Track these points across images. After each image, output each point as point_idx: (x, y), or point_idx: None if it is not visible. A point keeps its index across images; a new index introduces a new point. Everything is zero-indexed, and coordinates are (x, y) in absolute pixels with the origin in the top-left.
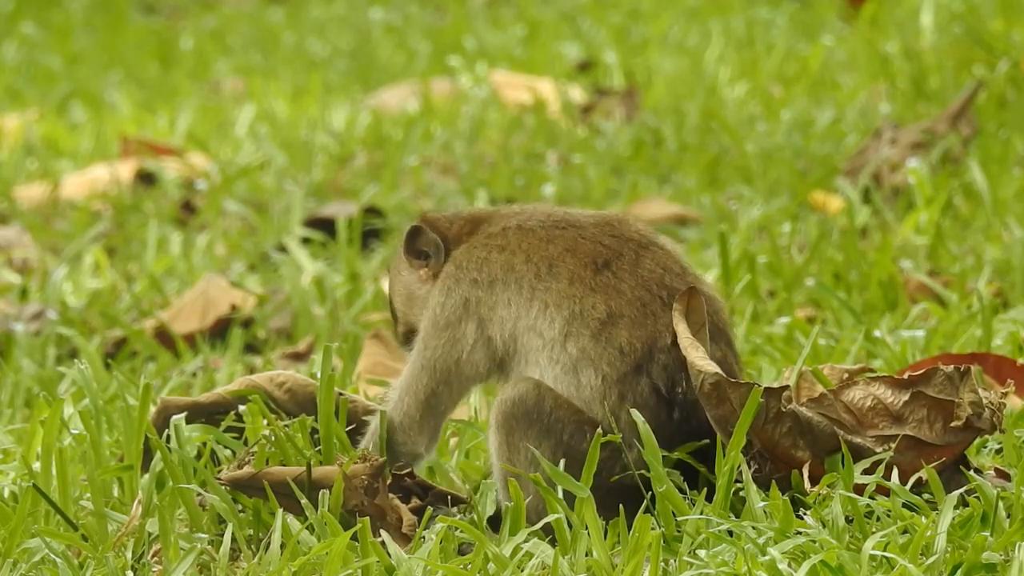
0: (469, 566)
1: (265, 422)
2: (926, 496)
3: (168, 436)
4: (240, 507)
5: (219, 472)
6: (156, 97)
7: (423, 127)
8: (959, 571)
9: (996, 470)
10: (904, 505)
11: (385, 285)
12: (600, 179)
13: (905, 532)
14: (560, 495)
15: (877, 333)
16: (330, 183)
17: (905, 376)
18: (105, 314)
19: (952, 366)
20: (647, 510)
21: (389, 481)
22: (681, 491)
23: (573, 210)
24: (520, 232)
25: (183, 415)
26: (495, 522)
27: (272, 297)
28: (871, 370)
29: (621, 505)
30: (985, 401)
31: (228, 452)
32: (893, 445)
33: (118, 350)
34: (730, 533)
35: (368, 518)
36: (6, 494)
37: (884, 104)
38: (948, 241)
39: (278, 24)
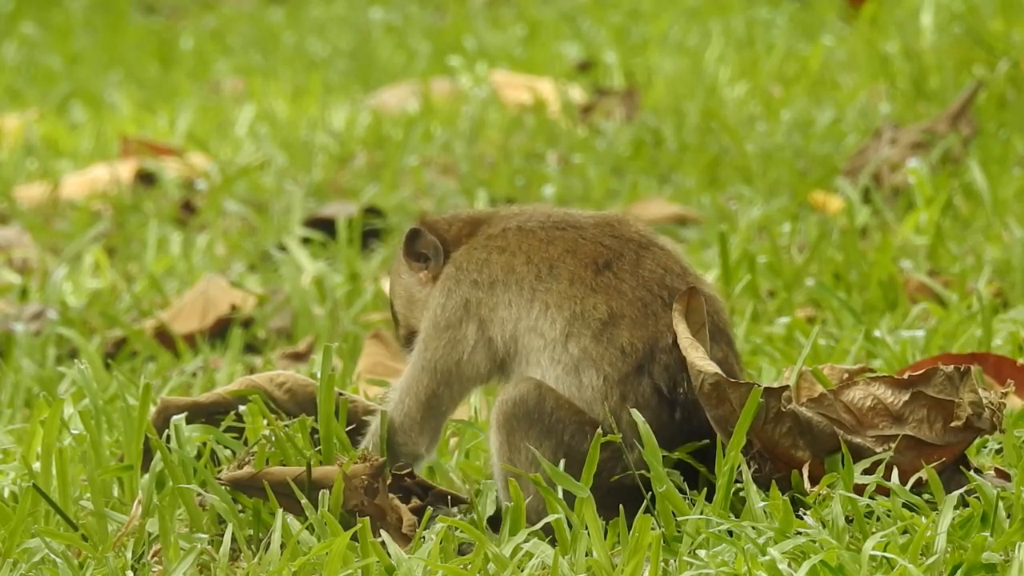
0: (469, 566)
1: (265, 422)
2: (926, 496)
3: (168, 436)
4: (240, 507)
5: (219, 472)
6: (156, 97)
7: (423, 127)
8: (959, 571)
9: (996, 470)
10: (904, 505)
11: (385, 286)
12: (600, 179)
13: (905, 532)
14: (560, 495)
15: (877, 333)
16: (330, 183)
17: (905, 376)
18: (105, 314)
19: (952, 366)
20: (647, 510)
21: (389, 481)
22: (681, 491)
23: (573, 211)
24: (520, 233)
25: (183, 415)
26: (495, 522)
27: (272, 297)
28: (871, 370)
29: (621, 505)
30: (985, 401)
31: (228, 452)
32: (893, 445)
33: (118, 350)
34: (730, 533)
35: (368, 518)
36: (6, 494)
37: (884, 104)
38: (948, 241)
39: (278, 24)
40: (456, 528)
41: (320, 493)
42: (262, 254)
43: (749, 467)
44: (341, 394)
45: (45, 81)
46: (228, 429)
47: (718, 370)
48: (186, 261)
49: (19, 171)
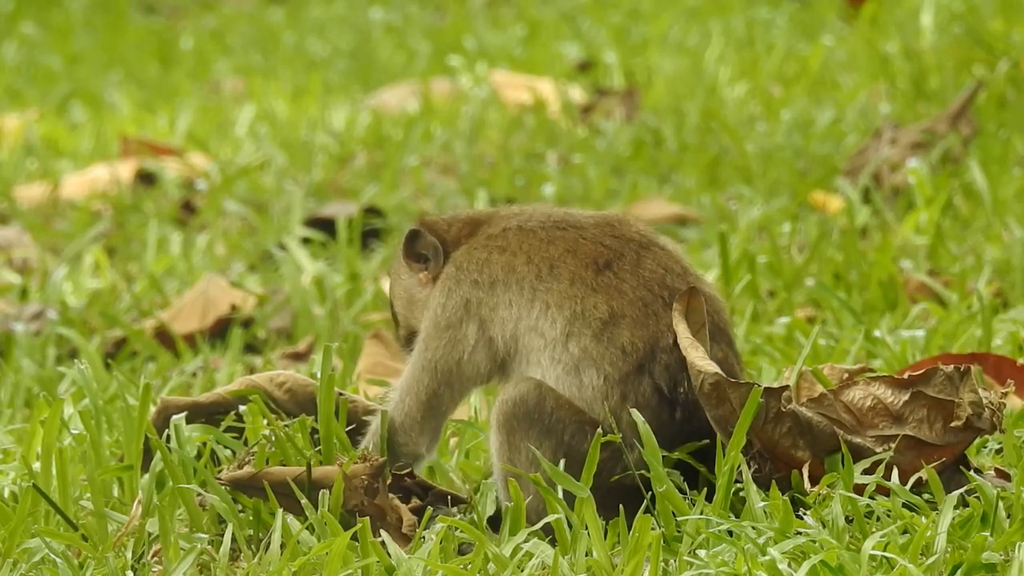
0: (469, 566)
1: (265, 422)
2: (926, 496)
3: (168, 436)
4: (240, 507)
5: (219, 472)
6: (156, 97)
7: (423, 127)
8: (959, 571)
9: (996, 470)
10: (904, 505)
11: (385, 286)
12: (600, 179)
13: (905, 532)
14: (560, 495)
15: (877, 333)
16: (330, 183)
17: (905, 376)
18: (105, 314)
19: (952, 366)
20: (647, 510)
21: (389, 481)
22: (681, 491)
23: (573, 211)
24: (520, 233)
25: (183, 415)
26: (495, 522)
27: (272, 297)
28: (871, 370)
29: (621, 505)
30: (985, 401)
31: (228, 452)
32: (893, 445)
33: (118, 350)
34: (730, 533)
35: (368, 518)
36: (6, 494)
37: (884, 104)
38: (948, 241)
39: (278, 24)
40: (456, 528)
41: (320, 493)
42: (262, 254)
43: (749, 467)
44: (341, 394)
45: (45, 81)
46: (228, 429)
47: (718, 370)
48: (186, 261)
49: (19, 171)
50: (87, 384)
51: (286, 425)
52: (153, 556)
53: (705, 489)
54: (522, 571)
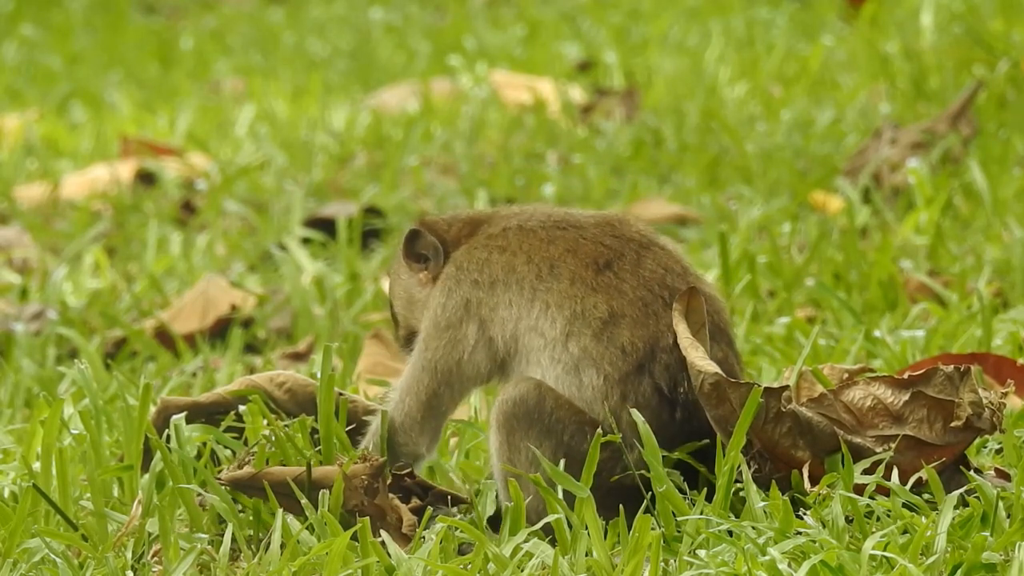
0: (469, 566)
1: (265, 422)
2: (926, 496)
3: (168, 436)
4: (240, 507)
5: (219, 472)
6: (156, 97)
7: (423, 127)
8: (959, 571)
9: (996, 470)
10: (904, 505)
11: (385, 286)
12: (600, 179)
13: (905, 532)
14: (560, 495)
15: (877, 333)
16: (330, 183)
17: (905, 376)
18: (105, 314)
19: (952, 366)
20: (647, 510)
21: (389, 481)
22: (681, 491)
23: (573, 210)
24: (521, 233)
25: (183, 415)
26: (494, 522)
27: (272, 297)
28: (871, 370)
29: (621, 505)
30: (985, 401)
31: (228, 452)
32: (893, 445)
33: (118, 350)
34: (730, 533)
35: (368, 518)
36: (6, 494)
37: (884, 104)
38: (948, 241)
39: (278, 24)
40: (456, 528)
41: (320, 493)
42: (262, 254)
43: (749, 467)
44: (341, 394)
45: (45, 81)
46: (228, 429)
47: (718, 370)
48: (186, 261)
49: (19, 171)
50: (87, 384)
51: (286, 425)
52: (153, 556)
53: (705, 489)
54: (522, 571)
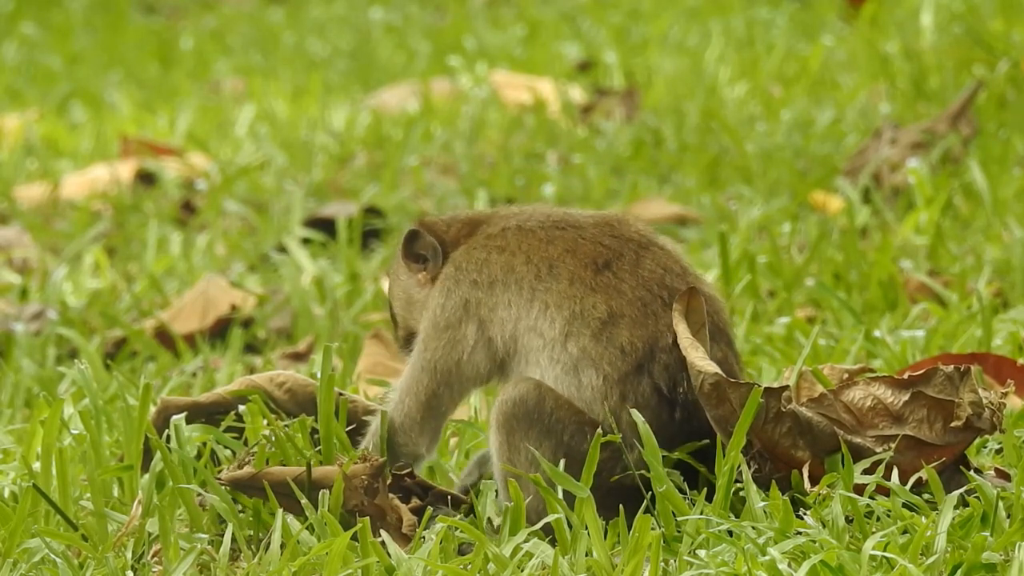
0: (469, 566)
1: (265, 422)
2: (926, 496)
3: (168, 436)
4: (240, 507)
5: (219, 472)
6: (156, 97)
7: (423, 127)
8: (959, 571)
9: (996, 470)
10: (904, 505)
11: (385, 286)
12: (600, 179)
13: (905, 532)
14: (560, 495)
15: (877, 333)
16: (330, 183)
17: (905, 376)
18: (105, 314)
19: (952, 366)
20: (647, 510)
21: (389, 481)
22: (681, 491)
23: (573, 210)
24: (520, 233)
25: (183, 415)
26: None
27: (272, 297)
28: (871, 370)
29: (621, 505)
30: (985, 401)
31: (228, 452)
32: (893, 445)
33: (118, 350)
34: (730, 533)
35: (368, 518)
36: (6, 494)
37: (884, 104)
38: (948, 241)
39: (278, 24)
40: (456, 528)
41: (320, 493)
42: (262, 254)
43: (749, 467)
44: (341, 394)
45: (45, 81)
46: (228, 429)
47: (718, 370)
48: (186, 261)
49: (19, 171)
50: (87, 384)
51: (286, 425)
52: (153, 556)
53: (705, 489)
54: (522, 571)
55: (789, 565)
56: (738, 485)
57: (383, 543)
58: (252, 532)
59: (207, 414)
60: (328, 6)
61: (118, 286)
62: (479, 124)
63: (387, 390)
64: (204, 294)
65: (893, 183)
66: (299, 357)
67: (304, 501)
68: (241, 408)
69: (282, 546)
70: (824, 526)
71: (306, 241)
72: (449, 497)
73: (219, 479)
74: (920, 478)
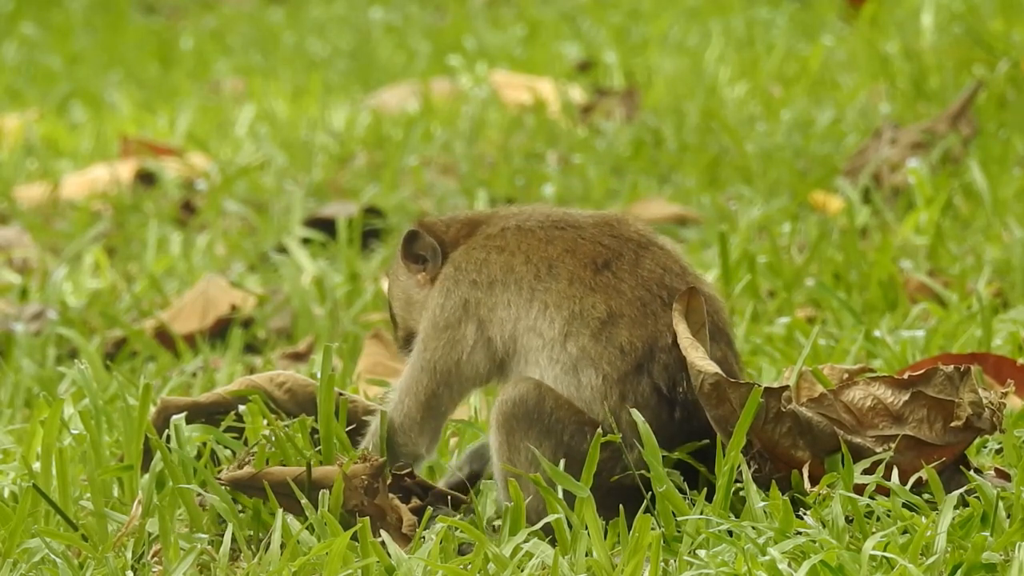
0: (469, 566)
1: (265, 422)
2: (926, 496)
3: (168, 436)
4: (240, 507)
5: (219, 472)
6: (156, 97)
7: (423, 127)
8: (959, 571)
9: (996, 470)
10: (904, 505)
11: (385, 286)
12: (600, 179)
13: (905, 532)
14: (560, 495)
15: (877, 333)
16: (330, 183)
17: (905, 376)
18: (105, 314)
19: (952, 366)
20: (647, 510)
21: (389, 481)
22: (681, 491)
23: (572, 210)
24: (519, 233)
25: (183, 415)
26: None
27: (272, 297)
28: (871, 370)
29: (621, 505)
30: (985, 401)
31: (228, 452)
32: (893, 445)
33: (118, 350)
34: (730, 533)
35: (368, 518)
36: (6, 494)
37: (884, 104)
38: (948, 241)
39: (278, 24)
40: (456, 528)
41: (320, 493)
42: (262, 254)
43: (749, 467)
44: (341, 394)
45: (45, 81)
46: (228, 429)
47: (718, 370)
48: (186, 261)
49: (19, 171)
50: (87, 384)
51: (286, 425)
52: (153, 556)
53: (705, 489)
54: (522, 571)
55: (789, 565)
56: (738, 485)
57: (383, 543)
58: (252, 532)
59: (207, 414)
60: (328, 6)
61: (118, 286)
62: (479, 124)
63: (387, 390)
64: (204, 294)
65: (893, 183)
66: (299, 357)
67: (304, 501)
68: (241, 408)
69: (282, 546)
70: (824, 526)
71: (306, 241)
72: (449, 497)
73: (219, 479)
74: (920, 478)
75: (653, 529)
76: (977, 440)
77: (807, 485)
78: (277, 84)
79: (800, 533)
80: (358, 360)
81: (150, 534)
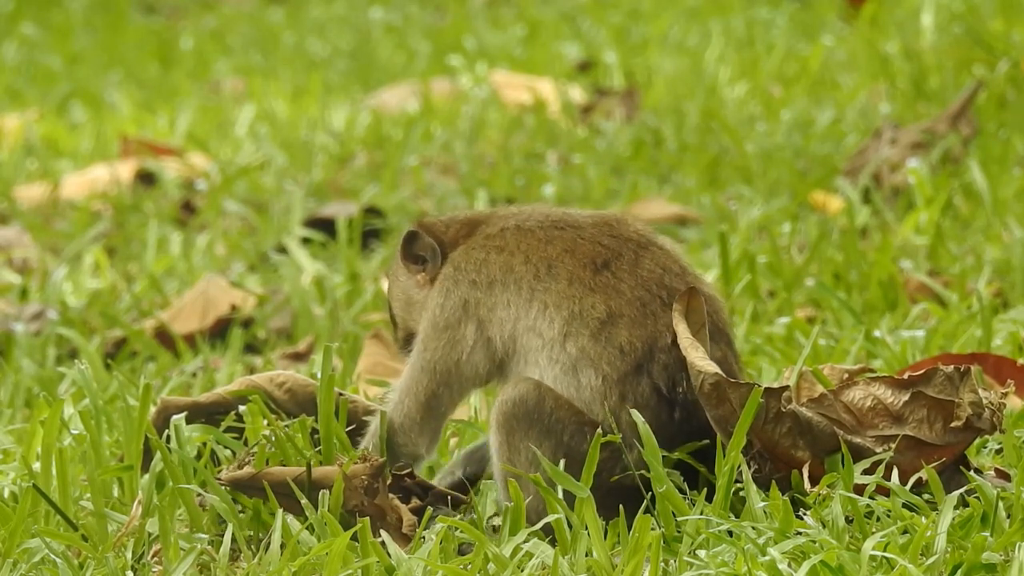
0: (469, 566)
1: (265, 422)
2: (926, 496)
3: (168, 436)
4: (240, 507)
5: (219, 472)
6: (156, 97)
7: (423, 127)
8: (959, 571)
9: (996, 470)
10: (904, 505)
11: (385, 286)
12: (600, 179)
13: (905, 532)
14: (560, 495)
15: (877, 333)
16: (330, 183)
17: (905, 376)
18: (105, 314)
19: (952, 366)
20: (647, 510)
21: (389, 481)
22: (681, 491)
23: (571, 210)
24: (518, 233)
25: (183, 415)
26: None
27: (272, 297)
28: (871, 370)
29: (621, 505)
30: (985, 401)
31: (228, 452)
32: (893, 445)
33: (118, 350)
34: (730, 533)
35: (368, 518)
36: (6, 494)
37: (884, 104)
38: (948, 241)
39: (278, 24)
40: (456, 528)
41: (320, 493)
42: (262, 254)
43: (749, 467)
44: (341, 394)
45: (45, 81)
46: (228, 429)
47: (718, 370)
48: (186, 261)
49: (19, 171)
50: (87, 384)
51: (286, 425)
52: (153, 556)
53: (705, 489)
54: (522, 571)
55: (789, 565)
56: (738, 485)
57: (383, 543)
58: (252, 532)
59: (207, 414)
60: (328, 6)
61: (118, 286)
62: (479, 124)
63: (387, 390)
64: (204, 294)
65: (893, 183)
66: (299, 357)
67: (304, 501)
68: (241, 408)
69: (282, 546)
70: (824, 526)
71: (306, 241)
72: (449, 497)
73: (219, 479)
74: (920, 478)
75: (653, 529)
76: (977, 440)
77: (807, 485)
78: (277, 84)
79: (800, 533)
80: (358, 360)
81: (150, 534)
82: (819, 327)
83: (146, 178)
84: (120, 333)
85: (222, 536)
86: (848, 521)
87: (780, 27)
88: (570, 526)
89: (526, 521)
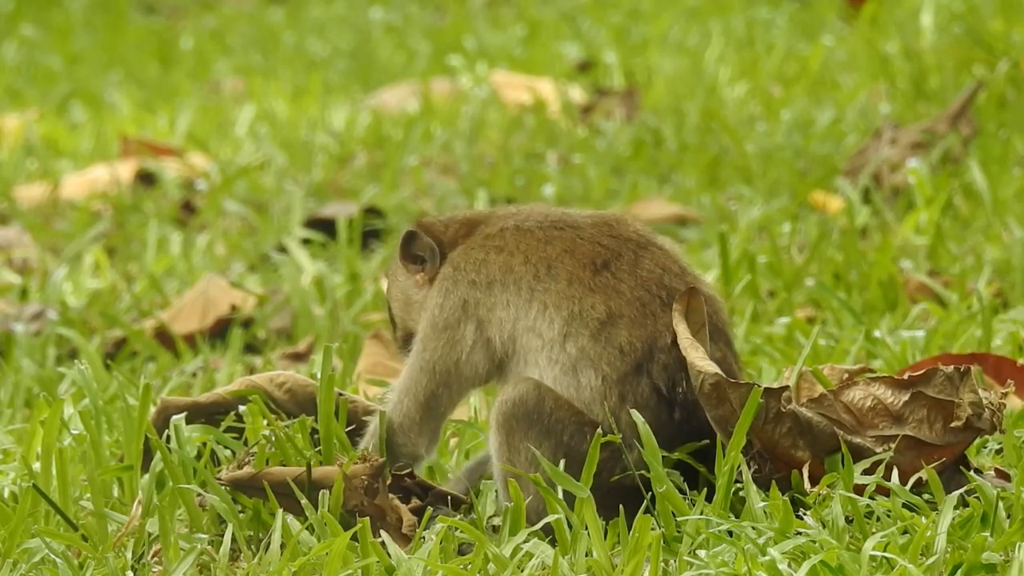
0: (469, 566)
1: (265, 422)
2: (926, 496)
3: (168, 436)
4: (240, 507)
5: (219, 472)
6: (156, 97)
7: (423, 127)
8: (959, 571)
9: (996, 470)
10: (904, 505)
11: (385, 286)
12: (600, 179)
13: (905, 532)
14: (560, 495)
15: (877, 333)
16: (330, 183)
17: (905, 376)
18: (105, 314)
19: (952, 366)
20: (647, 510)
21: (389, 481)
22: (681, 491)
23: (571, 210)
24: (518, 233)
25: (183, 415)
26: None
27: (272, 297)
28: (871, 370)
29: (621, 505)
30: (985, 401)
31: (228, 452)
32: (893, 445)
33: (118, 350)
34: (730, 533)
35: (368, 518)
36: (6, 494)
37: (884, 104)
38: (948, 241)
39: (278, 24)
40: (456, 528)
41: (320, 493)
42: (262, 254)
43: (749, 467)
44: (341, 394)
45: (45, 81)
46: (228, 429)
47: (718, 370)
48: (186, 261)
49: (19, 171)
50: (87, 384)
51: (286, 425)
52: (153, 556)
53: (705, 489)
54: (522, 571)
55: (789, 565)
56: (738, 485)
57: (383, 543)
58: (252, 532)
59: (207, 414)
60: (328, 6)
61: (118, 286)
62: (479, 124)
63: (386, 390)
64: (204, 294)
65: (893, 183)
66: (299, 357)
67: (304, 501)
68: (241, 408)
69: (282, 546)
70: (824, 526)
71: (306, 241)
72: (449, 497)
73: (219, 479)
74: (920, 478)
75: (653, 529)
76: (977, 440)
77: (807, 485)
78: (277, 84)
79: (800, 533)
80: (358, 360)
81: (150, 534)
82: (819, 327)
83: (146, 178)
84: (120, 333)
85: (222, 536)
86: (848, 521)
87: (780, 27)
88: (570, 526)
89: (526, 521)
